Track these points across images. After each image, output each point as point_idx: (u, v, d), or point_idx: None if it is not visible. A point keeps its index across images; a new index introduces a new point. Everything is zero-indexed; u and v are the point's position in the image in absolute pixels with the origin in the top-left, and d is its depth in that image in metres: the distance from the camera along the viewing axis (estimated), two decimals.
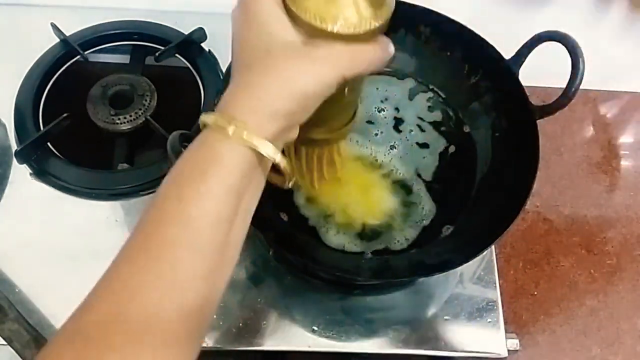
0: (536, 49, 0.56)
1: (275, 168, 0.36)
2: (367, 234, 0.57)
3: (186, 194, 0.32)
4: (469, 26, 0.61)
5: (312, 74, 0.33)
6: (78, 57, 0.72)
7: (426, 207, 0.58)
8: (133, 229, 0.33)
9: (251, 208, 0.35)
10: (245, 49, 0.34)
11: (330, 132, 0.44)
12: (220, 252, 0.33)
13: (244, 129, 0.32)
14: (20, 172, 0.64)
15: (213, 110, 0.33)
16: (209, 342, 0.55)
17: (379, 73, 0.66)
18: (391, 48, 0.36)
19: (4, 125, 0.67)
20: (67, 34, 0.72)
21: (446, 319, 0.58)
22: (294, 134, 0.36)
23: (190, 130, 0.65)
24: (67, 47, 0.72)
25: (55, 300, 0.57)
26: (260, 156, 0.33)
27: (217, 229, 0.32)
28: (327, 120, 0.43)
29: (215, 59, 0.72)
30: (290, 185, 0.38)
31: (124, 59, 0.74)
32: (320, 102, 0.34)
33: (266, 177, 0.36)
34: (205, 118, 0.33)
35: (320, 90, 0.33)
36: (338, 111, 0.43)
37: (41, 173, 0.64)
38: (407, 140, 0.62)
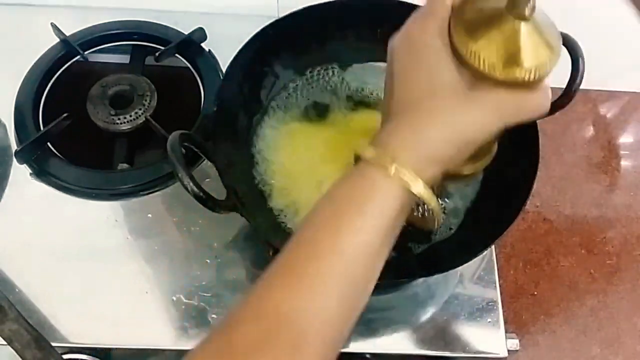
0: None
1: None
2: None
3: (344, 227, 0.32)
4: None
5: (477, 122, 0.33)
6: (78, 57, 0.72)
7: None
8: (284, 252, 0.33)
9: (392, 242, 0.35)
10: (410, 87, 0.34)
11: (473, 168, 0.43)
12: (365, 286, 0.33)
13: (405, 169, 0.32)
14: (20, 172, 0.64)
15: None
16: None
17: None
18: (550, 95, 0.35)
19: (4, 125, 0.67)
20: (67, 34, 0.72)
21: (446, 319, 0.58)
22: (440, 176, 0.36)
23: (191, 130, 0.65)
24: (67, 47, 0.72)
25: (55, 300, 0.58)
26: (412, 197, 0.33)
27: (366, 265, 0.33)
28: (474, 157, 0.42)
29: (215, 59, 0.72)
30: (437, 226, 0.38)
31: (124, 59, 0.74)
32: (476, 147, 0.34)
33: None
34: (365, 152, 0.33)
35: (482, 138, 0.33)
36: (485, 149, 0.42)
37: (41, 173, 0.64)
38: None
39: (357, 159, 0.34)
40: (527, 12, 0.32)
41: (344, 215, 0.32)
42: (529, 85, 0.33)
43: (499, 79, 0.32)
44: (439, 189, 0.48)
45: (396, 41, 0.36)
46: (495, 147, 0.43)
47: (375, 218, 0.32)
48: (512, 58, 0.32)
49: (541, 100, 0.34)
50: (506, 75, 0.32)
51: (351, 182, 0.34)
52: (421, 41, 0.33)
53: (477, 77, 0.33)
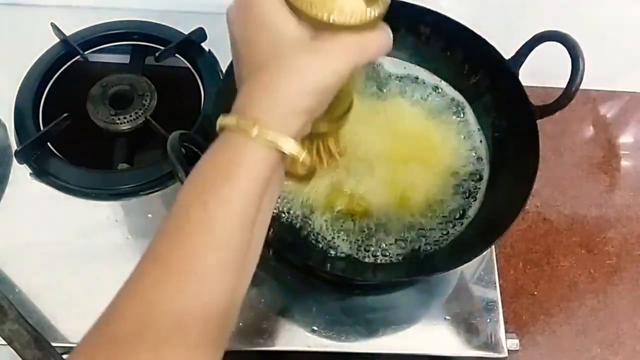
0: (536, 49, 0.56)
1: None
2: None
3: (211, 199, 0.32)
4: (469, 26, 0.61)
5: (326, 68, 0.33)
6: (78, 57, 0.72)
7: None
8: (156, 233, 0.33)
9: (271, 207, 0.35)
10: (254, 50, 0.34)
11: (329, 124, 0.44)
12: (243, 255, 0.33)
13: (268, 129, 0.32)
14: (20, 172, 0.64)
15: (222, 113, 0.34)
16: None
17: None
18: (391, 33, 0.36)
19: (4, 125, 0.67)
20: (67, 34, 0.72)
21: (446, 319, 0.58)
22: (309, 129, 0.36)
23: (191, 130, 0.65)
24: (67, 47, 0.72)
25: (55, 300, 0.57)
26: (282, 155, 0.33)
27: (241, 233, 0.32)
28: (327, 112, 0.43)
29: (215, 59, 0.72)
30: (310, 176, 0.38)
31: (124, 59, 0.74)
32: (334, 95, 0.35)
33: (283, 175, 0.36)
34: (225, 120, 0.33)
35: (335, 83, 0.33)
36: (337, 102, 0.43)
37: (41, 173, 0.64)
38: None
39: (221, 130, 0.34)
40: None
41: (211, 187, 0.32)
42: (367, 26, 0.34)
43: (334, 24, 0.33)
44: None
45: (232, 8, 0.36)
46: (347, 105, 0.44)
47: (244, 185, 0.32)
48: (338, 4, 0.33)
49: (382, 39, 0.35)
50: (337, 20, 0.33)
51: (215, 153, 0.33)
52: (258, 4, 0.33)
53: (316, 27, 0.33)
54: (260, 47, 0.34)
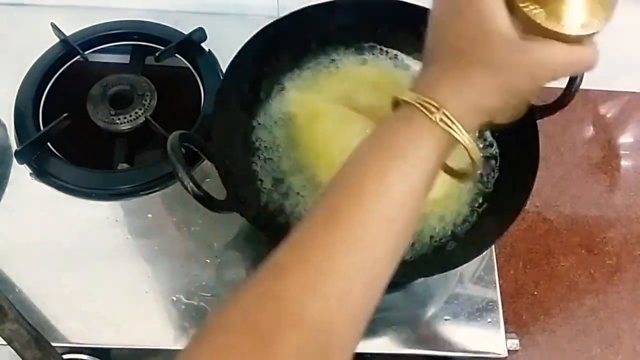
0: None
1: None
2: None
3: (389, 171, 0.32)
4: None
5: (529, 74, 0.32)
6: (78, 57, 0.72)
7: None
8: (325, 197, 0.32)
9: (428, 193, 0.34)
10: (462, 34, 0.33)
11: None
12: (406, 234, 0.33)
13: (452, 117, 0.31)
14: (20, 172, 0.64)
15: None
16: None
17: None
18: (598, 52, 0.35)
19: (4, 125, 0.67)
20: (67, 34, 0.72)
21: (446, 319, 0.58)
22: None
23: (191, 130, 0.65)
24: (67, 47, 0.72)
25: (55, 300, 0.57)
26: (453, 145, 0.33)
27: (409, 210, 0.32)
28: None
29: (215, 59, 0.72)
30: (476, 175, 0.38)
31: (124, 59, 0.74)
32: (521, 101, 0.34)
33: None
34: (409, 96, 0.33)
35: (531, 89, 0.33)
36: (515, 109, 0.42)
37: (41, 173, 0.64)
38: None
39: (397, 104, 0.33)
40: None
41: (389, 160, 0.32)
42: (579, 41, 0.33)
43: (553, 31, 0.32)
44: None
45: None
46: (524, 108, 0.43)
47: (421, 163, 0.32)
48: (565, 13, 0.32)
49: (590, 56, 0.34)
50: (558, 30, 0.32)
51: (394, 126, 0.33)
52: None
53: (530, 29, 0.32)
54: (467, 34, 0.32)
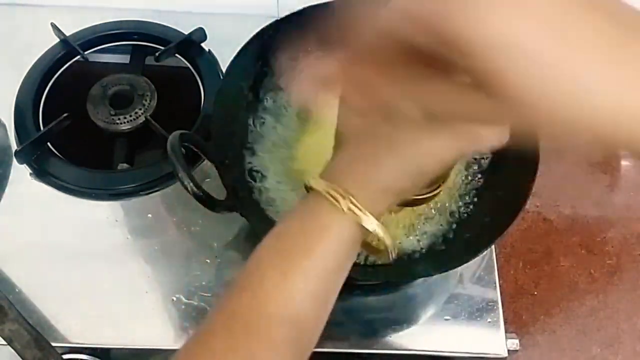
0: None
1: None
2: None
3: (290, 270, 0.31)
4: None
5: (436, 153, 0.31)
6: (78, 57, 0.72)
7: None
8: (227, 291, 0.32)
9: (342, 281, 0.34)
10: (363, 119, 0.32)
11: (424, 193, 0.43)
12: (316, 330, 0.33)
13: (358, 205, 0.31)
14: (20, 172, 0.64)
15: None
16: None
17: None
18: (507, 131, 0.33)
19: (4, 125, 0.67)
20: (67, 34, 0.72)
21: (446, 319, 0.58)
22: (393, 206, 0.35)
23: (191, 130, 0.65)
24: (67, 47, 0.72)
25: (55, 300, 0.58)
26: (365, 232, 0.32)
27: (313, 310, 0.32)
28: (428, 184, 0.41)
29: (215, 59, 0.72)
30: (391, 259, 0.37)
31: (124, 59, 0.74)
32: (431, 178, 0.33)
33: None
34: (316, 184, 0.32)
35: (439, 168, 0.32)
36: (440, 177, 0.41)
37: (41, 173, 0.64)
38: None
39: (308, 189, 0.33)
40: None
41: (292, 257, 0.31)
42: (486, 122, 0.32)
43: None
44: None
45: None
46: (450, 173, 0.43)
47: (326, 259, 0.31)
48: None
49: (497, 134, 0.32)
50: None
51: (300, 218, 0.32)
52: None
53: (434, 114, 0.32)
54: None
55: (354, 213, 0.31)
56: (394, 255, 0.36)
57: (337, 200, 0.31)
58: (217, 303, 0.32)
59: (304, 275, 0.31)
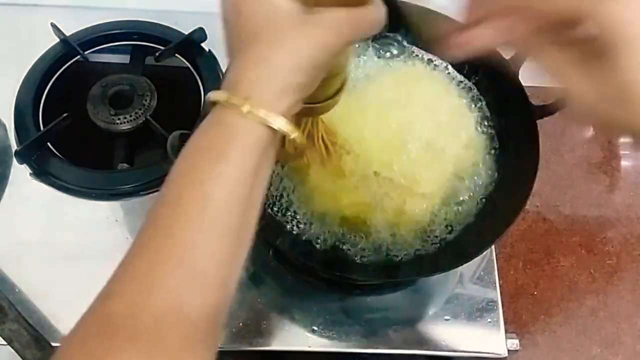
0: None
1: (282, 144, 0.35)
2: None
3: (206, 175, 0.32)
4: None
5: (319, 43, 0.32)
6: (78, 57, 0.72)
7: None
8: (150, 212, 0.33)
9: (264, 186, 0.35)
10: (247, 21, 0.33)
11: (321, 103, 0.43)
12: (237, 234, 0.33)
13: (259, 106, 0.32)
14: (20, 172, 0.64)
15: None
16: None
17: None
18: (384, 10, 0.35)
19: (4, 125, 0.67)
20: (67, 34, 0.72)
21: (446, 319, 0.58)
22: (299, 107, 0.36)
23: (191, 130, 0.65)
24: (67, 47, 0.72)
25: (55, 300, 0.58)
26: (274, 132, 0.33)
27: (235, 211, 0.32)
28: (318, 90, 0.42)
29: (215, 59, 0.73)
30: (305, 159, 0.38)
31: (124, 59, 0.75)
32: (326, 71, 0.34)
33: (276, 153, 0.36)
34: (215, 96, 0.33)
35: (327, 59, 0.33)
36: (328, 80, 0.42)
37: (41, 173, 0.64)
38: None
39: (212, 105, 0.34)
40: None
41: (205, 164, 0.32)
42: (361, 2, 0.33)
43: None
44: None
45: None
46: (346, 73, 0.43)
47: (238, 161, 0.32)
48: None
49: (376, 14, 0.34)
50: None
51: (207, 129, 0.33)
52: None
53: (310, 2, 0.33)
54: (253, 19, 0.33)
55: (256, 114, 0.32)
56: (300, 156, 0.36)
57: (236, 106, 0.32)
58: (141, 228, 0.33)
59: (220, 180, 0.32)
